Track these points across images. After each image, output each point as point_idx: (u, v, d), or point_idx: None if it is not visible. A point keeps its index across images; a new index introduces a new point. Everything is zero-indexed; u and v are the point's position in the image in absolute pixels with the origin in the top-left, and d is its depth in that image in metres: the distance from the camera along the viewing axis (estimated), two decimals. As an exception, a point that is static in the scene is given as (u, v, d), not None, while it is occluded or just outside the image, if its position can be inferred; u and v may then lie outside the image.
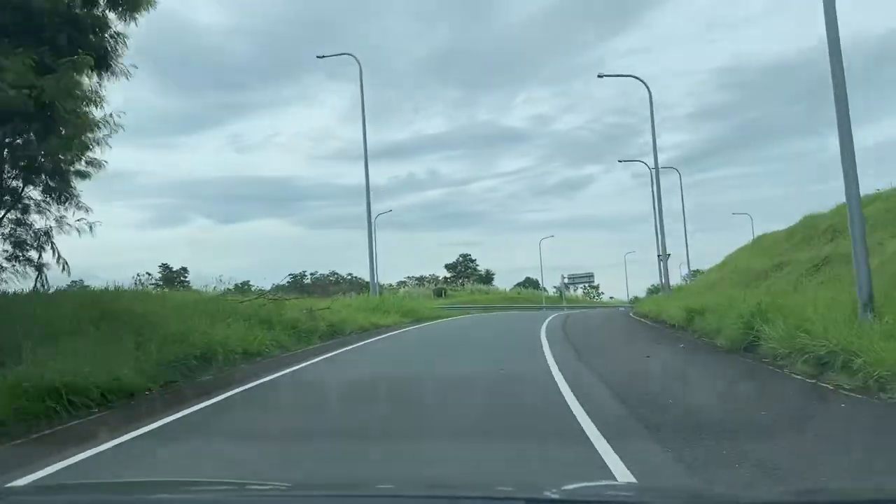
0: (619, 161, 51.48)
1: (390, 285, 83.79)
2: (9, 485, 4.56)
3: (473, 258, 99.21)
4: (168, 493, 2.47)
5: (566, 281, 78.30)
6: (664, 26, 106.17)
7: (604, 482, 4.39)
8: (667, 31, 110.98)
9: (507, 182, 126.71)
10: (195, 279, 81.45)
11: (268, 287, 22.21)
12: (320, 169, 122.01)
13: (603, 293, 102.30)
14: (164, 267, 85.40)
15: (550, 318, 25.66)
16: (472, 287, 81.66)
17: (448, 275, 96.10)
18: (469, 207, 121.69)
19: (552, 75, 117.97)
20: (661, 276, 45.90)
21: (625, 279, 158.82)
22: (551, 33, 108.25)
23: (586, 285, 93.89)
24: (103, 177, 14.72)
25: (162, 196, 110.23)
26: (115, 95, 18.22)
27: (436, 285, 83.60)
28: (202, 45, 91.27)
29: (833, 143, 10.57)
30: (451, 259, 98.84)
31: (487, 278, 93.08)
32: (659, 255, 43.05)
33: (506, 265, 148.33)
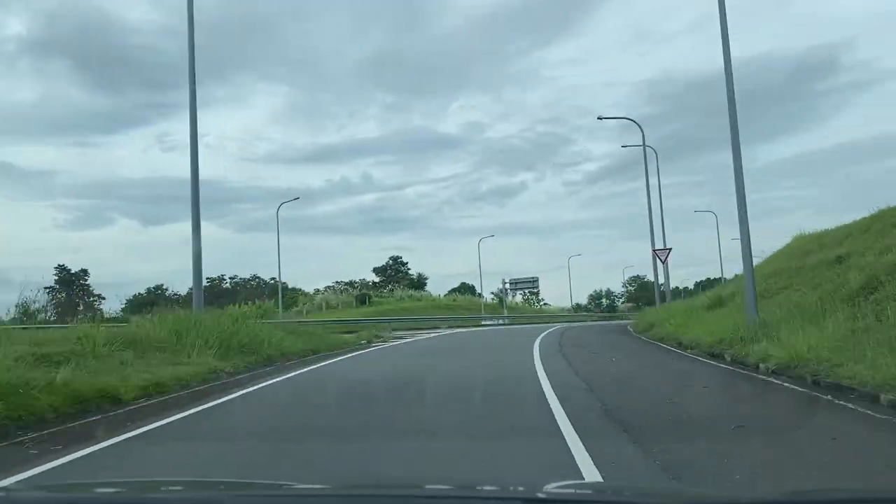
0: (599, 118, 41.94)
1: (317, 290, 72.76)
2: (3, 484, 4.35)
3: (405, 261, 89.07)
4: (169, 492, 2.44)
5: (508, 286, 69.44)
6: (595, 38, 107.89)
7: (594, 481, 4.26)
8: (598, 43, 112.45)
9: (440, 188, 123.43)
10: (100, 283, 71.57)
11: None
12: (249, 171, 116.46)
13: (542, 299, 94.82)
14: (61, 269, 72.16)
15: (537, 358, 15.15)
16: (403, 293, 71.49)
17: (377, 279, 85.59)
18: (403, 213, 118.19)
19: (486, 83, 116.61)
20: (657, 289, 36.02)
21: (560, 285, 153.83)
22: (486, 41, 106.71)
23: (527, 292, 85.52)
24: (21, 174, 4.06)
25: (84, 196, 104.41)
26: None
27: (360, 291, 72.46)
28: (130, 42, 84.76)
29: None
30: (381, 263, 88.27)
31: (419, 283, 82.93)
32: (656, 251, 33.83)
33: (440, 270, 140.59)
